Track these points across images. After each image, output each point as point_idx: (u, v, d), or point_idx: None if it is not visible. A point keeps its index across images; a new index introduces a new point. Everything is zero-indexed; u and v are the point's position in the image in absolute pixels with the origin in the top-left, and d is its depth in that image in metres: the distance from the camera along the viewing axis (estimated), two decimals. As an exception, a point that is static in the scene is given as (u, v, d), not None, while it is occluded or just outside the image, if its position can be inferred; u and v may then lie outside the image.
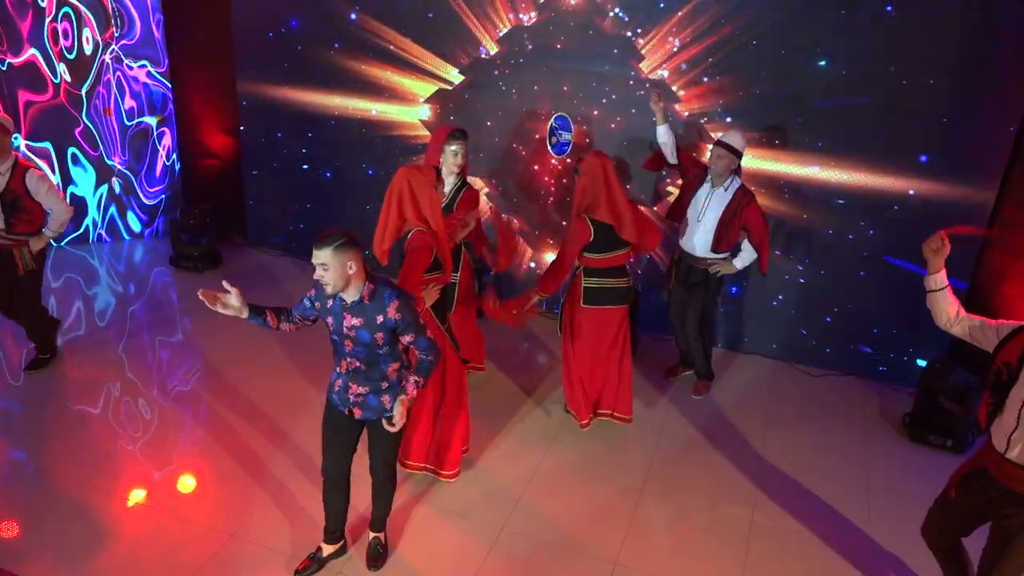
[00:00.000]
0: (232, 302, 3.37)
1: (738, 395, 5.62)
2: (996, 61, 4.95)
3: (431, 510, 4.34)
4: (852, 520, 4.44)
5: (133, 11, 6.85)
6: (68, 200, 6.48)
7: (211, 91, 7.21)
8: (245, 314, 3.42)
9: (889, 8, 5.05)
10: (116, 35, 6.83)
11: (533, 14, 5.71)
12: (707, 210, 5.06)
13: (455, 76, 6.12)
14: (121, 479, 4.42)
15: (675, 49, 5.58)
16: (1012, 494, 3.15)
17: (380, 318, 3.34)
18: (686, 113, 5.70)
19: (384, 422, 3.47)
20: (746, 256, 5.13)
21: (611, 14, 5.62)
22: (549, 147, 6.12)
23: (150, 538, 4.01)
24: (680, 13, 5.47)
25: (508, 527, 4.24)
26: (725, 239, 5.08)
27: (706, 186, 5.08)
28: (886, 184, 5.42)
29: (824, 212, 5.63)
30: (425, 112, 6.28)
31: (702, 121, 5.68)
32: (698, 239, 5.15)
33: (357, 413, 3.56)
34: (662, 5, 5.49)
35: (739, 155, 4.98)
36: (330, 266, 3.20)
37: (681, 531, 4.31)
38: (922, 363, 5.54)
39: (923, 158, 5.27)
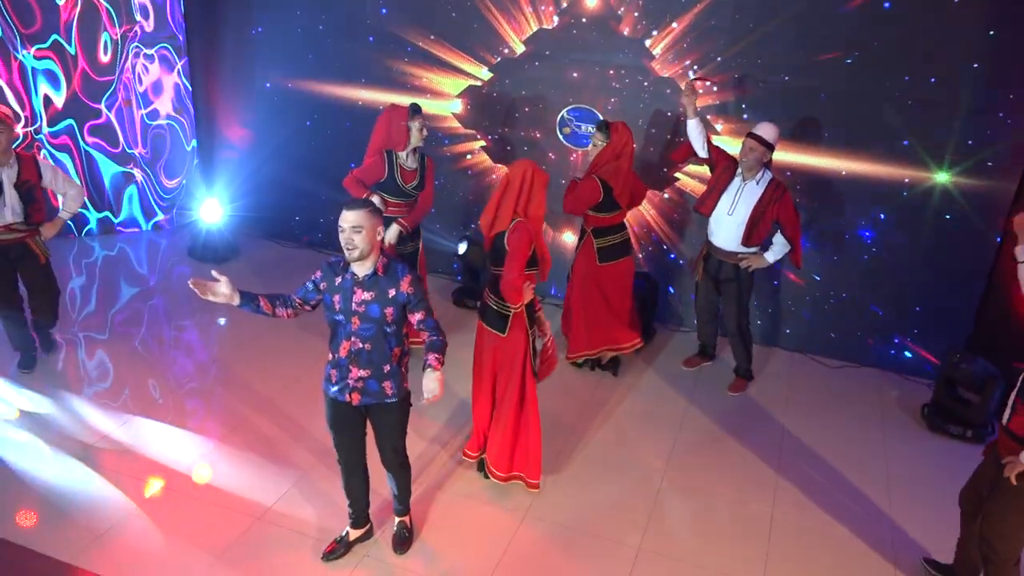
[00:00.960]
0: (222, 289, 3.36)
1: (757, 386, 5.63)
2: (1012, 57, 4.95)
3: (454, 496, 4.37)
4: (872, 508, 4.45)
5: (149, 6, 6.89)
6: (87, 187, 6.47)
7: (231, 83, 7.24)
8: (236, 301, 3.40)
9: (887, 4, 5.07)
10: (135, 30, 6.87)
11: (556, 18, 5.88)
12: (739, 203, 5.05)
13: (485, 74, 6.22)
14: (144, 464, 4.45)
15: (686, 46, 5.65)
16: (997, 457, 3.39)
17: (392, 291, 3.34)
18: (701, 106, 5.72)
19: (427, 387, 3.31)
20: (778, 249, 5.13)
21: (622, 12, 5.73)
22: (561, 137, 6.15)
23: (173, 521, 4.05)
24: (695, 10, 5.52)
25: (531, 512, 4.26)
26: (756, 233, 5.08)
27: (737, 180, 5.08)
28: (905, 175, 5.42)
29: (840, 204, 5.64)
30: (457, 106, 6.36)
31: (712, 116, 5.70)
32: (729, 233, 5.14)
33: (356, 399, 3.50)
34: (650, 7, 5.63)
35: (771, 148, 4.97)
36: (364, 227, 3.23)
37: (703, 519, 4.33)
38: (934, 356, 5.53)
39: (943, 148, 5.28)
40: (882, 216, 5.57)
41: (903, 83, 5.23)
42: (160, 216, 7.58)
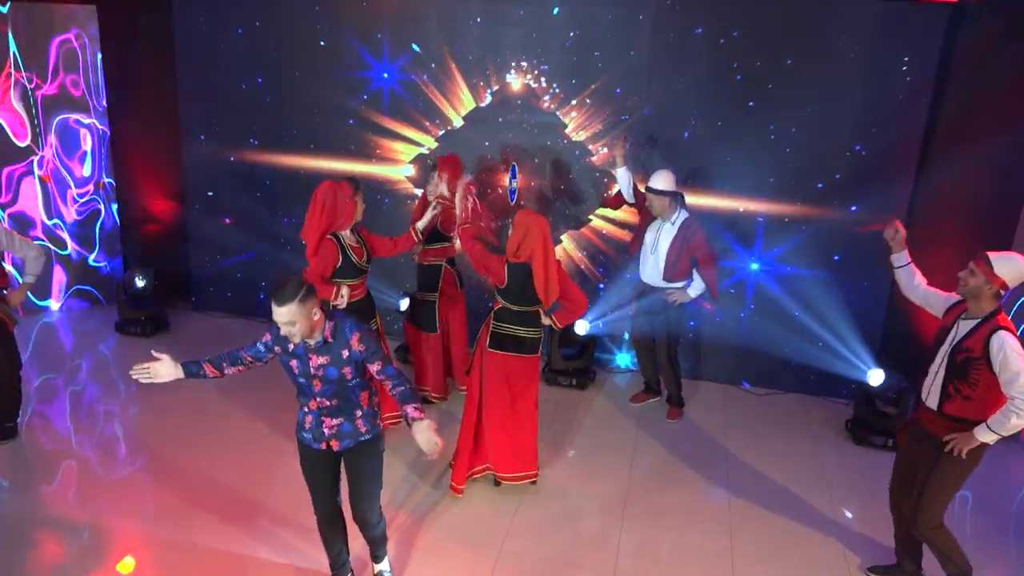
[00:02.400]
0: (164, 370, 3.38)
1: (697, 416, 5.97)
2: (896, 108, 5.69)
3: (430, 538, 4.42)
4: (818, 514, 4.82)
5: (78, 79, 6.86)
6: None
7: (154, 154, 7.22)
8: (180, 374, 3.42)
9: (789, 61, 5.75)
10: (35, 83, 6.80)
11: (488, 99, 6.40)
12: (659, 242, 5.50)
13: (432, 143, 6.60)
14: (109, 545, 4.29)
15: (590, 114, 6.22)
16: (929, 437, 3.83)
17: (346, 352, 3.37)
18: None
19: (423, 440, 3.26)
20: (698, 284, 5.55)
21: (543, 94, 6.28)
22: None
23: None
24: (593, 87, 6.13)
25: (505, 547, 4.36)
26: (677, 268, 5.50)
27: (657, 221, 5.53)
28: (808, 213, 6.02)
29: (751, 240, 6.16)
30: (410, 170, 6.67)
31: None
32: (653, 270, 5.56)
33: (335, 445, 3.53)
34: (574, 81, 6.18)
35: (668, 194, 5.43)
36: (297, 320, 3.18)
37: (669, 540, 4.53)
38: (854, 375, 6.05)
39: (843, 189, 5.92)
40: (789, 248, 6.10)
41: (801, 134, 5.87)
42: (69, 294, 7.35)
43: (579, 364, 6.35)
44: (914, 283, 4.06)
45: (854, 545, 4.51)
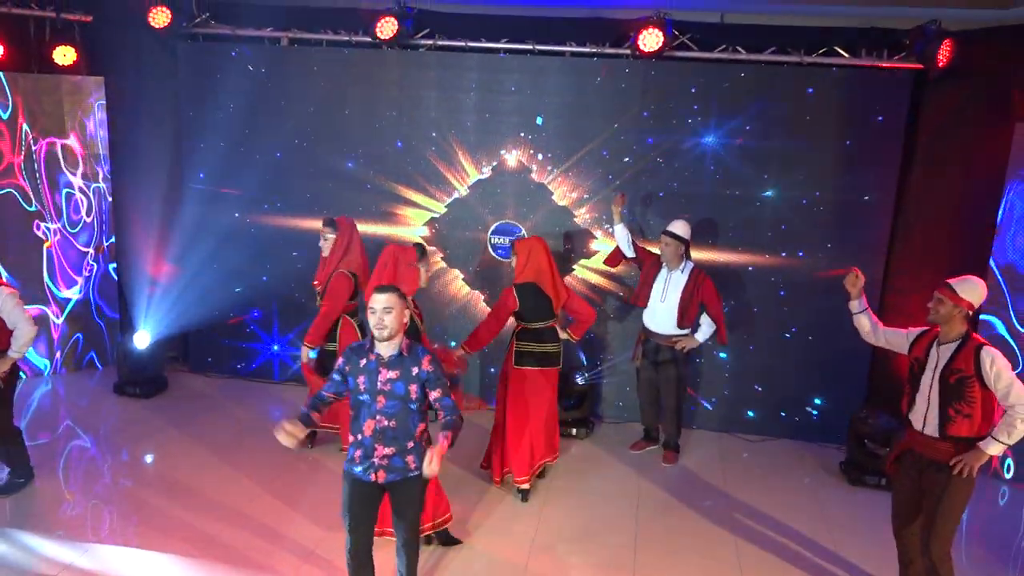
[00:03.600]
0: (295, 431, 3.55)
1: (695, 462, 6.12)
2: (873, 162, 6.09)
3: (456, 567, 4.49)
4: (822, 550, 4.97)
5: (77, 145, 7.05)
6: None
7: (155, 217, 7.34)
8: (307, 430, 3.63)
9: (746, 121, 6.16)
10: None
11: (488, 171, 6.75)
12: (668, 291, 5.74)
13: (441, 208, 6.89)
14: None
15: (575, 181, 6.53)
16: (933, 463, 3.97)
17: (415, 370, 3.60)
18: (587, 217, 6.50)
19: (426, 461, 3.42)
20: (706, 329, 5.79)
21: (533, 166, 6.65)
22: (492, 253, 6.74)
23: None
24: (575, 157, 6.53)
25: (530, 570, 4.44)
26: (687, 316, 5.73)
27: (664, 271, 5.78)
28: (793, 264, 6.34)
29: (742, 292, 6.45)
30: (424, 231, 6.92)
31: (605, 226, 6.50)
32: (663, 318, 5.78)
33: (382, 476, 3.65)
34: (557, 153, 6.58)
35: (684, 241, 5.73)
36: (394, 308, 3.52)
37: (681, 572, 4.64)
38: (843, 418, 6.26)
39: (829, 244, 6.28)
40: (780, 301, 6.39)
41: (786, 189, 6.24)
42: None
43: (578, 414, 6.49)
44: (872, 327, 4.35)
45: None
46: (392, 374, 3.59)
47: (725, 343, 5.93)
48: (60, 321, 7.22)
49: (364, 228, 6.81)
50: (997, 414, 3.85)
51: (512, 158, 6.64)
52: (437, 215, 6.84)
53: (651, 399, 6.10)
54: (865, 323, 4.40)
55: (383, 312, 3.52)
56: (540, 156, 6.59)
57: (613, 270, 6.42)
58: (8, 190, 6.78)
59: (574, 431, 6.45)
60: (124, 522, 4.91)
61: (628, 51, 6.25)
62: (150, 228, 7.38)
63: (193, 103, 6.98)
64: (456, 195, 6.78)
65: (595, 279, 6.71)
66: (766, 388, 6.57)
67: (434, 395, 3.66)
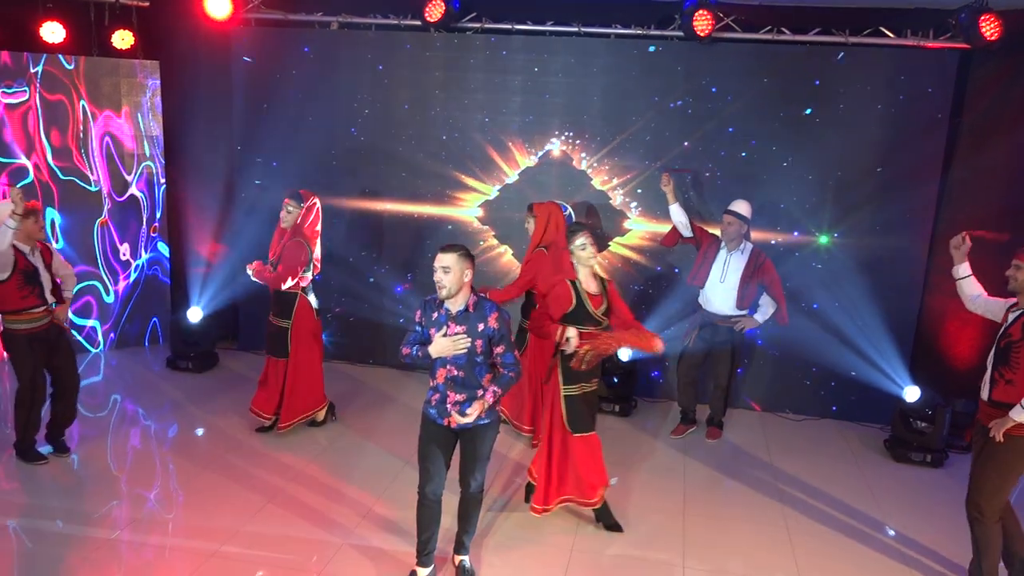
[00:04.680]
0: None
1: (739, 439, 6.17)
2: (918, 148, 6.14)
3: (502, 537, 4.59)
4: (872, 521, 5.01)
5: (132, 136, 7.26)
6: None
7: (208, 199, 7.54)
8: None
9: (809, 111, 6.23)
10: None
11: (534, 159, 6.89)
12: (728, 272, 5.79)
13: (493, 192, 7.04)
14: (183, 539, 4.43)
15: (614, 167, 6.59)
16: (983, 428, 4.01)
17: (481, 326, 3.76)
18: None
19: (474, 406, 3.75)
20: (765, 310, 5.86)
21: (576, 150, 6.77)
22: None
23: (238, 583, 4.05)
24: (619, 139, 6.64)
25: (576, 547, 4.52)
26: (747, 296, 5.79)
27: (723, 252, 5.84)
28: (837, 243, 6.38)
29: (787, 272, 6.48)
30: (478, 211, 7.06)
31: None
32: (723, 299, 5.84)
33: (453, 422, 3.84)
34: (599, 139, 6.68)
35: (746, 221, 5.79)
36: (452, 269, 3.66)
37: (730, 541, 4.70)
38: (888, 396, 6.30)
39: (877, 218, 6.32)
40: (826, 282, 6.43)
41: (840, 172, 6.30)
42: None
43: (620, 392, 6.57)
44: (975, 294, 4.27)
45: (907, 558, 4.65)
46: (459, 328, 3.75)
47: (786, 323, 5.93)
48: (112, 299, 7.42)
49: (420, 209, 7.02)
50: None
51: (557, 141, 6.76)
52: (490, 198, 6.99)
53: (691, 379, 6.14)
54: (968, 289, 4.29)
55: (442, 272, 3.68)
56: (584, 138, 6.70)
57: (667, 247, 6.39)
58: (68, 171, 7.01)
59: (616, 408, 6.52)
60: (188, 476, 5.08)
61: (675, 33, 6.33)
62: (202, 208, 7.58)
63: (246, 87, 7.16)
64: (507, 180, 6.92)
65: (633, 256, 6.80)
66: (808, 368, 6.60)
67: (497, 350, 3.82)
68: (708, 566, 4.40)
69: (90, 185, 7.13)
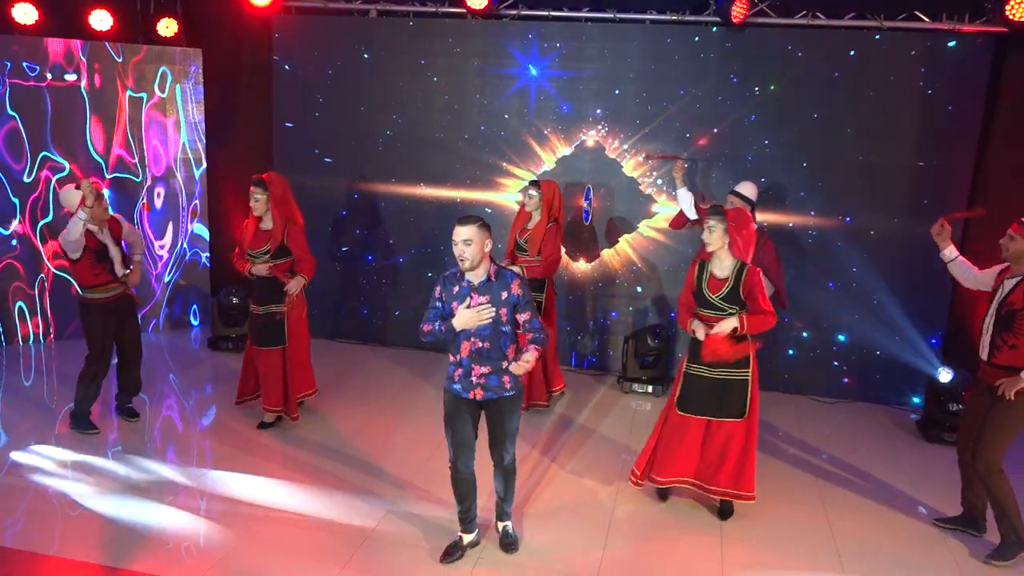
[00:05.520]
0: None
1: (772, 419, 6.22)
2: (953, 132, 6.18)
3: (545, 502, 4.74)
4: (906, 497, 5.09)
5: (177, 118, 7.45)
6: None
7: (242, 184, 7.68)
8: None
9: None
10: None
11: (570, 150, 7.01)
12: None
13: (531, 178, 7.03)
14: (235, 504, 4.59)
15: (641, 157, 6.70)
16: (987, 387, 4.27)
17: (505, 294, 3.80)
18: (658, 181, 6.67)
19: (521, 360, 3.75)
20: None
21: (607, 141, 6.87)
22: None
23: (286, 546, 4.19)
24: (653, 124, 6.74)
25: (616, 511, 4.65)
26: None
27: None
28: (869, 227, 6.43)
29: (816, 257, 6.55)
30: (514, 197, 7.20)
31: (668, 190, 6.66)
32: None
33: (479, 394, 3.87)
34: (638, 122, 6.77)
35: (750, 202, 5.85)
36: (473, 240, 3.67)
37: (767, 516, 4.78)
38: (921, 377, 6.37)
39: (918, 201, 6.36)
40: (855, 268, 6.48)
41: (875, 154, 6.35)
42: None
43: (653, 372, 6.66)
44: (969, 273, 4.55)
45: (944, 531, 4.71)
46: (483, 299, 3.78)
47: (784, 306, 5.99)
48: (155, 282, 7.62)
49: (462, 194, 7.13)
50: None
51: (592, 130, 6.87)
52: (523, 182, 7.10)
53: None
54: (961, 271, 4.59)
55: (463, 244, 3.69)
56: (618, 124, 6.80)
57: (675, 230, 6.40)
58: (112, 158, 7.21)
59: (650, 388, 6.62)
60: (232, 450, 5.25)
61: (711, 19, 6.41)
62: (242, 192, 7.70)
63: (286, 74, 7.33)
64: (544, 167, 7.03)
65: (658, 237, 6.90)
66: (839, 351, 6.66)
67: (523, 317, 3.85)
68: (746, 538, 4.49)
69: (134, 174, 7.32)
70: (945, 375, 5.96)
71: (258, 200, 5.30)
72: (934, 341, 6.42)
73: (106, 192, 7.12)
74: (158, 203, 7.51)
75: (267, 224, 5.36)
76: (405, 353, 7.36)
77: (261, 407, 5.64)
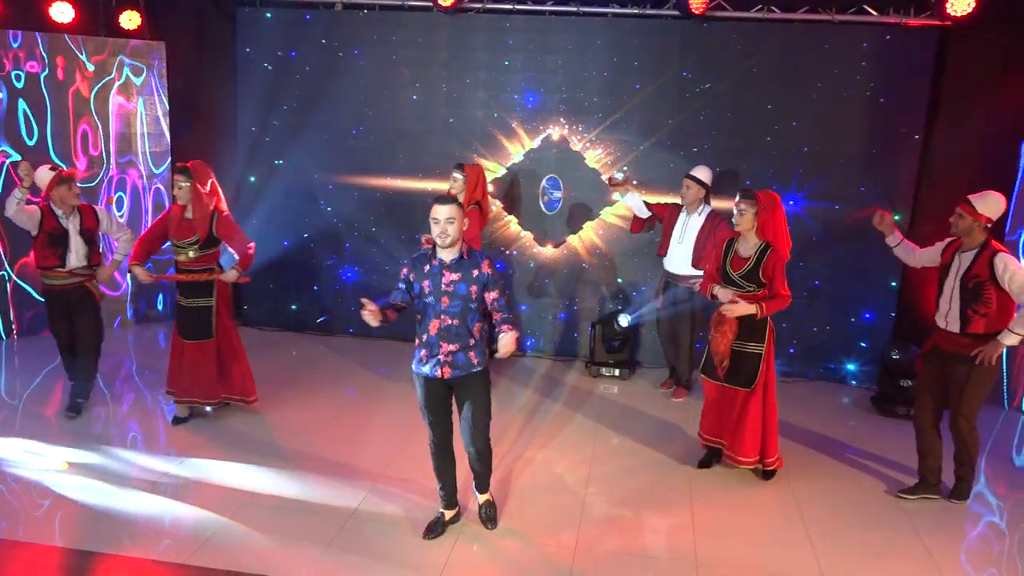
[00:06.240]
0: (372, 320, 3.86)
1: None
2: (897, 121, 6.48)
3: (521, 484, 4.87)
4: (864, 464, 5.36)
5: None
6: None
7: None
8: (380, 319, 3.87)
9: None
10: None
11: (538, 142, 7.17)
12: (686, 234, 6.09)
13: (500, 171, 7.31)
14: (217, 489, 4.65)
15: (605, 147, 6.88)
16: (955, 356, 4.54)
17: (476, 272, 3.92)
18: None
19: (503, 342, 3.73)
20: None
21: (571, 135, 7.05)
22: (541, 205, 7.12)
23: (270, 527, 4.27)
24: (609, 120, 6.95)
25: (589, 490, 4.80)
26: (703, 256, 6.07)
27: (682, 215, 6.15)
28: (821, 213, 6.71)
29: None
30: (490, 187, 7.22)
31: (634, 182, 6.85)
32: (680, 259, 6.14)
33: (447, 372, 3.96)
34: (600, 114, 6.99)
35: (705, 186, 6.08)
36: (455, 218, 3.82)
37: (733, 490, 4.99)
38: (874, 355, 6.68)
39: (862, 188, 6.66)
40: (811, 246, 6.75)
41: (824, 143, 6.62)
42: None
43: (620, 356, 6.86)
44: (912, 254, 4.90)
45: (891, 482, 5.06)
46: (455, 276, 3.91)
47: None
48: (121, 276, 7.57)
49: (432, 185, 7.21)
50: (1012, 310, 4.38)
51: (556, 124, 7.05)
52: (498, 175, 7.26)
53: (670, 339, 6.45)
54: (904, 253, 4.97)
55: (446, 222, 3.82)
56: (581, 116, 6.98)
57: (636, 234, 6.69)
58: (67, 151, 7.15)
59: (617, 372, 6.81)
60: (208, 440, 5.29)
61: (671, 12, 6.62)
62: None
63: (250, 67, 7.34)
64: (512, 160, 7.19)
65: (620, 223, 7.10)
66: (795, 331, 6.92)
67: (491, 295, 3.95)
68: (717, 505, 4.71)
69: (97, 166, 7.27)
70: (895, 352, 6.25)
71: (181, 188, 5.17)
72: (885, 319, 6.72)
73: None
74: (125, 196, 7.46)
75: (190, 214, 5.22)
76: (377, 343, 7.45)
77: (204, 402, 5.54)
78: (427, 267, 3.96)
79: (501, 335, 3.80)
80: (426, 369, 4.02)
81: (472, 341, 3.99)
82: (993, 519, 4.71)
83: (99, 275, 5.41)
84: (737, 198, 4.74)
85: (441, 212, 3.84)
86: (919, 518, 4.64)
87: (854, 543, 4.36)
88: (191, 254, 5.22)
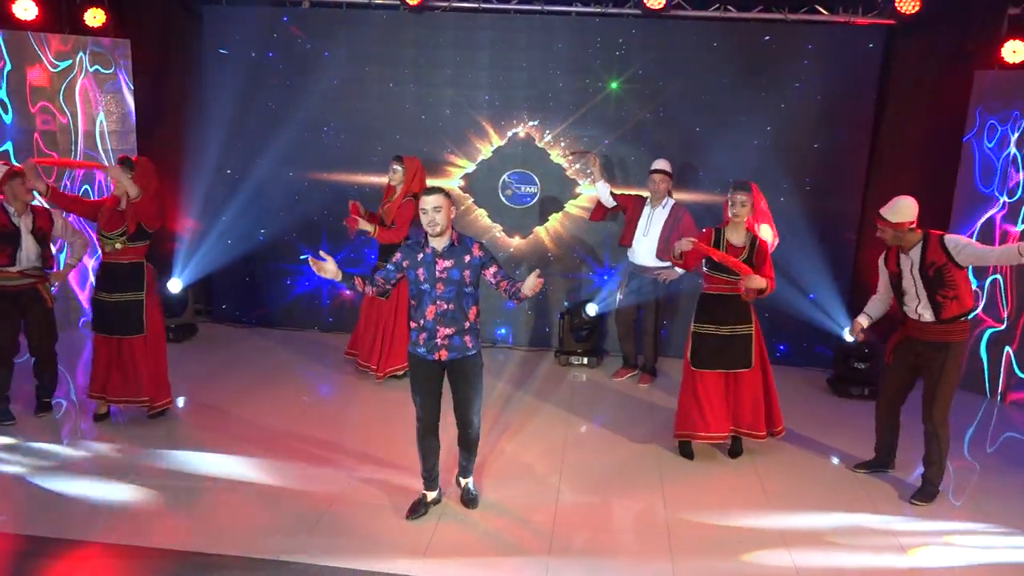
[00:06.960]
0: (330, 267, 4.07)
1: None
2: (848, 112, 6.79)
3: (499, 467, 5.04)
4: (824, 446, 5.64)
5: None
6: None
7: (178, 176, 7.69)
8: (339, 278, 4.09)
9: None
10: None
11: (504, 141, 7.32)
12: (650, 226, 6.32)
13: (470, 167, 7.45)
14: (198, 479, 4.73)
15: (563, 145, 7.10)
16: (930, 344, 4.65)
17: (468, 257, 4.09)
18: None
19: (528, 282, 3.97)
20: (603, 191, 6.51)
21: (537, 132, 7.23)
22: (503, 198, 7.31)
23: (252, 512, 4.37)
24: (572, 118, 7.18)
25: (564, 473, 4.99)
26: (668, 248, 6.29)
27: (647, 208, 6.38)
28: (775, 205, 6.98)
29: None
30: (459, 182, 7.46)
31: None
32: (645, 250, 6.37)
33: (444, 355, 4.14)
34: (564, 112, 7.21)
35: (670, 176, 6.32)
36: (443, 207, 3.97)
37: (701, 471, 5.23)
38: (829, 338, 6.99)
39: (808, 180, 6.95)
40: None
41: (775, 136, 6.91)
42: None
43: (588, 345, 7.06)
44: (886, 297, 4.91)
45: (847, 458, 5.33)
46: (448, 263, 4.07)
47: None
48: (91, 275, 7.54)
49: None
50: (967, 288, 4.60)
51: (522, 119, 7.23)
52: (468, 171, 7.42)
53: (627, 329, 6.69)
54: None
55: (434, 211, 3.98)
56: (546, 112, 7.18)
57: (596, 222, 6.93)
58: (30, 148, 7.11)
59: (585, 360, 7.01)
60: (188, 430, 5.36)
61: (632, 11, 6.84)
62: (174, 184, 7.72)
63: (218, 64, 7.36)
64: (482, 156, 7.35)
65: (583, 215, 7.27)
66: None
67: (491, 271, 4.13)
68: (686, 483, 4.93)
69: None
70: (849, 336, 6.55)
71: (120, 180, 5.10)
72: (838, 303, 7.02)
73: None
74: (91, 190, 7.43)
75: (123, 206, 5.16)
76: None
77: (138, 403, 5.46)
78: (420, 255, 4.11)
79: (526, 280, 3.99)
80: (422, 351, 4.17)
81: (467, 324, 4.16)
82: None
83: (52, 279, 5.36)
84: (732, 191, 4.97)
85: (429, 202, 3.99)
86: (875, 490, 4.92)
87: (814, 513, 4.62)
88: (118, 245, 5.18)
